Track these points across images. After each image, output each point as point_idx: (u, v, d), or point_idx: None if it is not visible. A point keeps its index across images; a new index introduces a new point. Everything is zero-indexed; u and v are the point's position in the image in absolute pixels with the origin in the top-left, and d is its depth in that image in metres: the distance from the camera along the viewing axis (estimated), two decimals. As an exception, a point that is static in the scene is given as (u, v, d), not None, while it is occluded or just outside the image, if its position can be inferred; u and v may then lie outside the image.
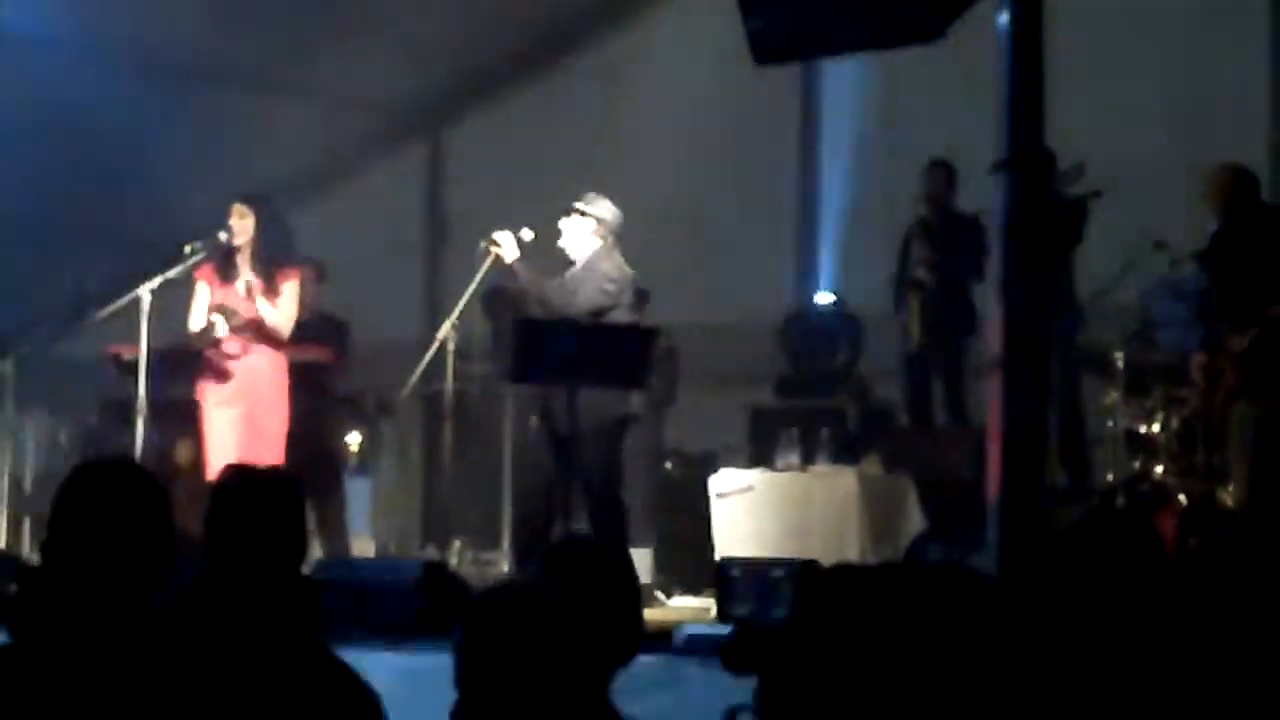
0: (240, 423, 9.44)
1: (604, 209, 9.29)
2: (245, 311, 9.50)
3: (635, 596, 3.92)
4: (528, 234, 9.18)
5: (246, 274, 9.58)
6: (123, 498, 3.82)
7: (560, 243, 9.21)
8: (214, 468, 9.03)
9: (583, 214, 9.23)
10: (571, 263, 9.24)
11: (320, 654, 3.93)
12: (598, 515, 9.01)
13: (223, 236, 9.52)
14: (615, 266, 9.22)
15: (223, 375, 9.53)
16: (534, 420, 9.23)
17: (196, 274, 9.57)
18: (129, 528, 3.78)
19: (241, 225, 9.58)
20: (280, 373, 9.66)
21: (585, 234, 9.23)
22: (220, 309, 9.51)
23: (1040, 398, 5.62)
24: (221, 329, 9.50)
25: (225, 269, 9.57)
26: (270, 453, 9.19)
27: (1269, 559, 7.42)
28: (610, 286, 9.15)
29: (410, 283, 14.99)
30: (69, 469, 3.95)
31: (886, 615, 2.69)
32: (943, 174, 11.50)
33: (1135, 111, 11.85)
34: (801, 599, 3.01)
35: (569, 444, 8.91)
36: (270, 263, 9.61)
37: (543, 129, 13.98)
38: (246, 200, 9.63)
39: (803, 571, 7.40)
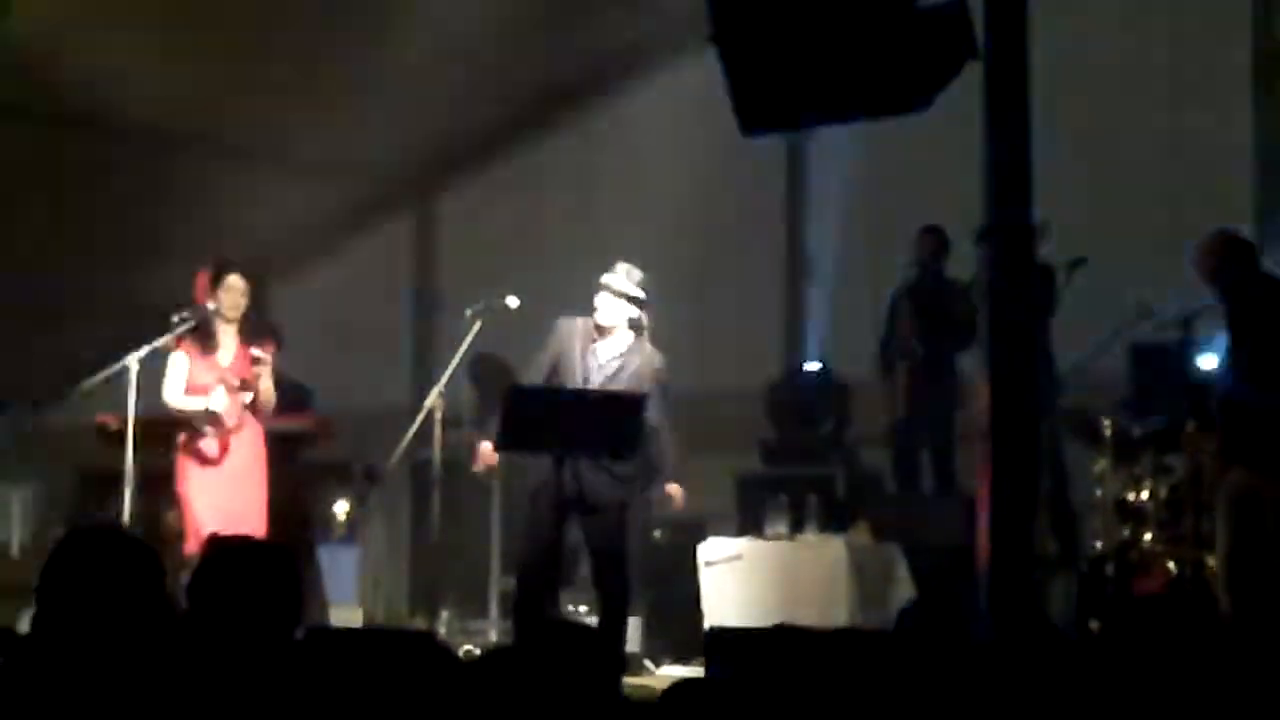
0: (225, 493, 9.40)
1: (634, 279, 9.15)
2: (244, 386, 9.47)
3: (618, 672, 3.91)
4: (514, 301, 9.17)
5: (230, 344, 9.54)
6: (114, 564, 3.79)
7: (600, 319, 9.06)
8: (198, 538, 9.02)
9: (631, 298, 9.06)
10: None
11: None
12: (609, 585, 8.94)
13: (211, 306, 9.49)
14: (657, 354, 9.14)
15: (211, 448, 9.48)
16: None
17: (175, 344, 9.50)
18: (121, 594, 3.75)
19: (235, 297, 9.54)
20: (260, 443, 9.63)
21: (625, 314, 9.08)
22: (239, 385, 9.44)
23: (1030, 466, 5.61)
24: (219, 403, 9.44)
25: (205, 340, 9.51)
26: (253, 523, 9.17)
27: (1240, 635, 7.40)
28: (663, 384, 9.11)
29: (399, 350, 14.99)
30: (55, 537, 3.91)
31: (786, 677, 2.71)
32: (932, 240, 11.53)
33: (1122, 177, 11.88)
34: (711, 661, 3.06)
35: (577, 513, 8.88)
36: (255, 334, 9.59)
37: (529, 197, 14.02)
38: (244, 274, 9.60)
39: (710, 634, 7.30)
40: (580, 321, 9.01)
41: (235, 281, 9.52)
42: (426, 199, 15.47)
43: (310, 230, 14.17)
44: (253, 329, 9.60)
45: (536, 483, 8.90)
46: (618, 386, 8.91)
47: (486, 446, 8.98)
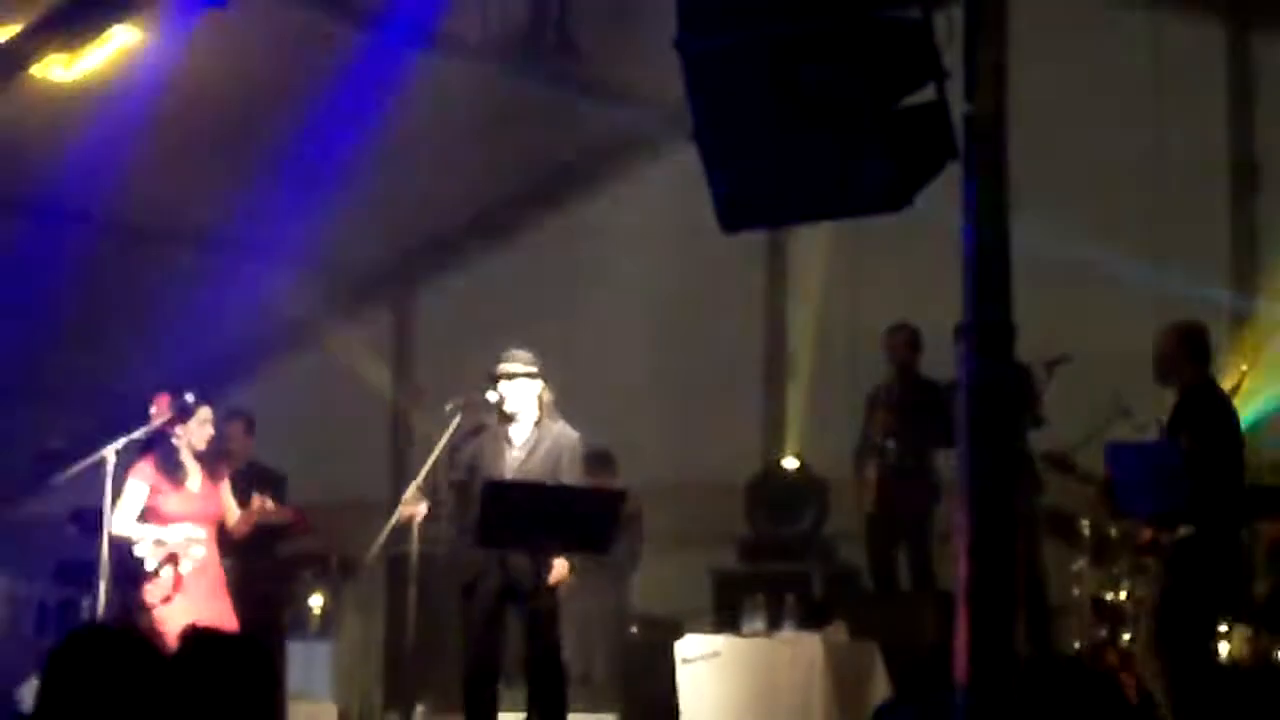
0: (191, 601, 9.32)
1: (536, 361, 9.25)
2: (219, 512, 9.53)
3: None
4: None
5: (195, 471, 9.53)
6: (122, 664, 3.74)
7: (509, 407, 9.15)
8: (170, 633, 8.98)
9: (533, 376, 9.20)
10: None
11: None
12: (546, 670, 8.96)
13: (179, 434, 9.47)
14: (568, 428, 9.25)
15: (162, 588, 9.40)
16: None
17: (132, 472, 9.42)
18: (128, 696, 3.70)
19: (205, 429, 9.56)
20: (219, 570, 9.60)
21: (534, 394, 9.21)
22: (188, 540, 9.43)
23: (1009, 566, 5.60)
24: (176, 537, 9.38)
25: (174, 469, 9.47)
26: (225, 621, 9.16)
27: None
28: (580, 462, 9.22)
29: (378, 443, 14.97)
30: (40, 634, 3.86)
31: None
32: (904, 337, 11.58)
33: (1101, 278, 11.93)
34: None
35: (512, 602, 8.92)
36: (215, 459, 9.64)
37: (508, 292, 14.03)
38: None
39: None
40: (487, 414, 9.15)
41: (206, 414, 9.54)
42: (405, 292, 15.49)
43: (290, 321, 14.16)
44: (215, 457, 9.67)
45: (470, 576, 8.98)
46: (534, 467, 9.03)
47: (414, 508, 9.09)
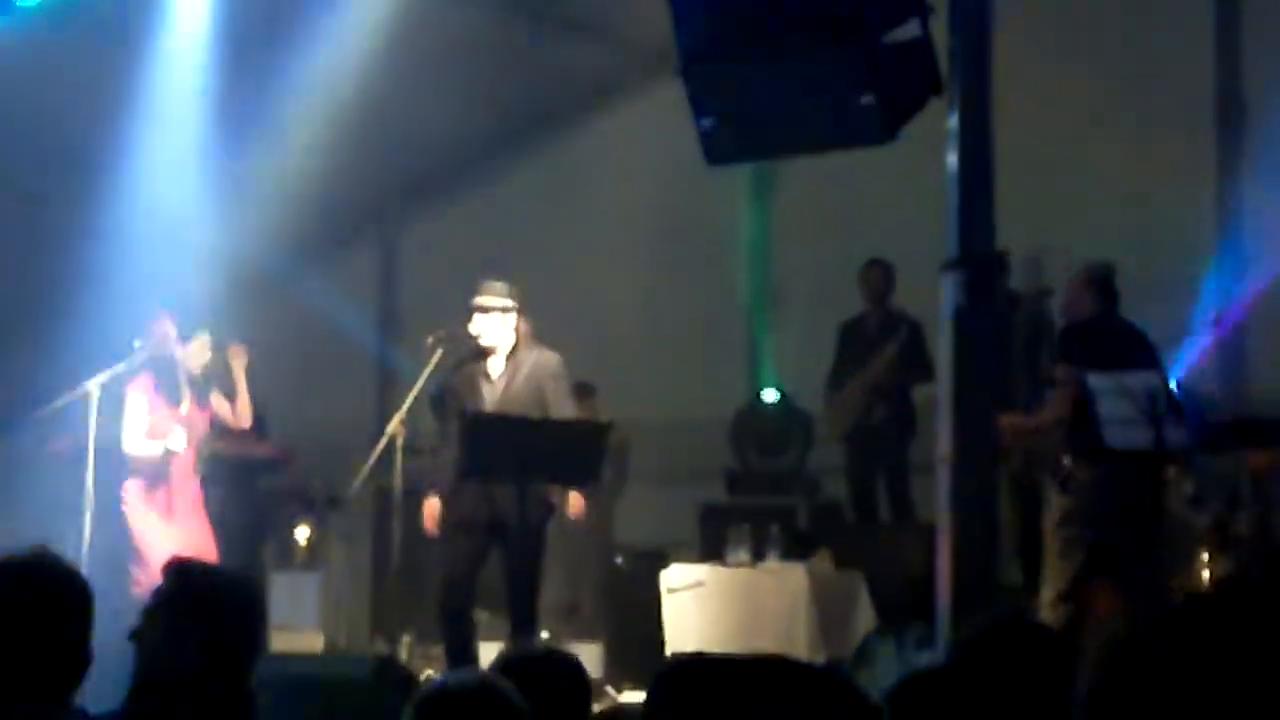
0: (178, 539, 9.42)
1: (512, 294, 9.27)
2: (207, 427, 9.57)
3: (586, 701, 3.92)
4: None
5: (187, 395, 9.58)
6: (38, 593, 3.67)
7: (486, 340, 9.18)
8: (152, 565, 9.07)
9: (508, 309, 9.21)
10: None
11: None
12: (521, 603, 9.03)
13: (178, 356, 9.50)
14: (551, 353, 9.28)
15: (168, 485, 9.48)
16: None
17: (131, 388, 9.48)
18: (44, 626, 3.62)
19: (204, 355, 9.59)
20: (196, 487, 9.68)
21: (510, 327, 9.23)
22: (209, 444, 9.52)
23: (990, 496, 5.65)
24: (178, 443, 9.46)
25: (169, 388, 9.52)
26: (205, 550, 9.24)
27: None
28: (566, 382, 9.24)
29: (363, 378, 14.96)
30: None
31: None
32: (880, 273, 11.63)
33: (1083, 211, 11.94)
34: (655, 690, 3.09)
35: (495, 536, 8.96)
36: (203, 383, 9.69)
37: (493, 226, 14.00)
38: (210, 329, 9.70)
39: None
40: (467, 347, 9.20)
41: (205, 339, 9.57)
42: (390, 226, 15.46)
43: (276, 256, 14.12)
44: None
45: (457, 514, 9.04)
46: (514, 397, 9.04)
47: (434, 504, 9.09)
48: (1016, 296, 10.36)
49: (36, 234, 12.38)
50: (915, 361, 10.96)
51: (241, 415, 9.86)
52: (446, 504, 9.16)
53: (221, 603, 3.97)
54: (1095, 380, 8.45)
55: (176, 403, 9.52)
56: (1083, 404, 8.31)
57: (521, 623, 9.02)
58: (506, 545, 9.00)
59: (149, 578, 9.15)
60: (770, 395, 12.93)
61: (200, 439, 9.65)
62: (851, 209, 12.74)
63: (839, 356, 11.81)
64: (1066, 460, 8.56)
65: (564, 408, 9.10)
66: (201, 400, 9.65)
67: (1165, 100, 12.04)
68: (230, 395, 9.97)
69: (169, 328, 9.52)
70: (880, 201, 12.19)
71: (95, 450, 9.36)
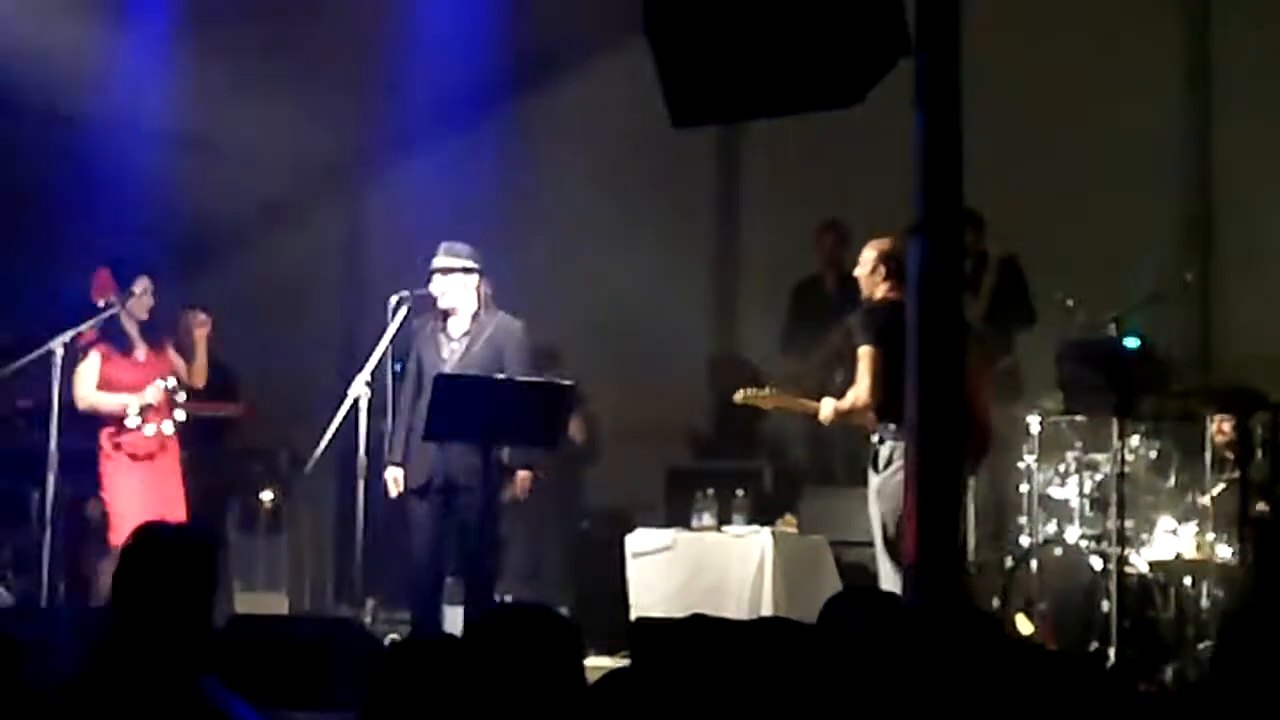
0: (149, 488, 9.46)
1: (473, 255, 9.26)
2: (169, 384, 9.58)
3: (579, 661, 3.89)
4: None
5: (141, 342, 9.60)
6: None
7: (445, 302, 9.18)
8: (121, 525, 9.08)
9: (469, 270, 9.20)
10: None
11: (228, 713, 3.88)
12: (480, 564, 9.04)
13: (118, 306, 9.52)
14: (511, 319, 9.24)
15: (145, 443, 9.54)
16: (394, 476, 9.22)
17: (80, 344, 9.52)
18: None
19: (145, 299, 9.62)
20: (175, 440, 9.71)
21: (471, 289, 9.19)
22: (165, 391, 9.52)
23: (956, 460, 5.64)
24: (154, 396, 9.50)
25: (120, 339, 9.57)
26: (175, 510, 9.27)
27: None
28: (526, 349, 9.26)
29: (328, 338, 14.91)
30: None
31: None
32: (833, 236, 11.64)
33: (1052, 172, 11.96)
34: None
35: (451, 498, 8.98)
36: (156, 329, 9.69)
37: (459, 188, 13.94)
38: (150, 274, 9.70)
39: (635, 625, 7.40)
40: (429, 310, 9.25)
41: (145, 284, 9.61)
42: (356, 188, 15.39)
43: (238, 215, 14.05)
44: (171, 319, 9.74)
45: (416, 480, 9.08)
46: (473, 360, 9.09)
47: (395, 474, 9.08)
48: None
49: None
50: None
51: (196, 376, 9.90)
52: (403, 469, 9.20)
53: (181, 554, 4.00)
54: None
55: (128, 351, 9.58)
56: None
57: (479, 586, 9.03)
58: (463, 508, 9.01)
59: (118, 535, 9.20)
60: (732, 359, 12.95)
61: (170, 390, 9.64)
62: (817, 171, 12.71)
63: (791, 317, 11.84)
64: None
65: (522, 373, 9.10)
66: (156, 346, 9.69)
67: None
68: (189, 358, 10.01)
69: (106, 279, 9.57)
70: (847, 164, 12.16)
71: (60, 408, 9.39)
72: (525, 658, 3.59)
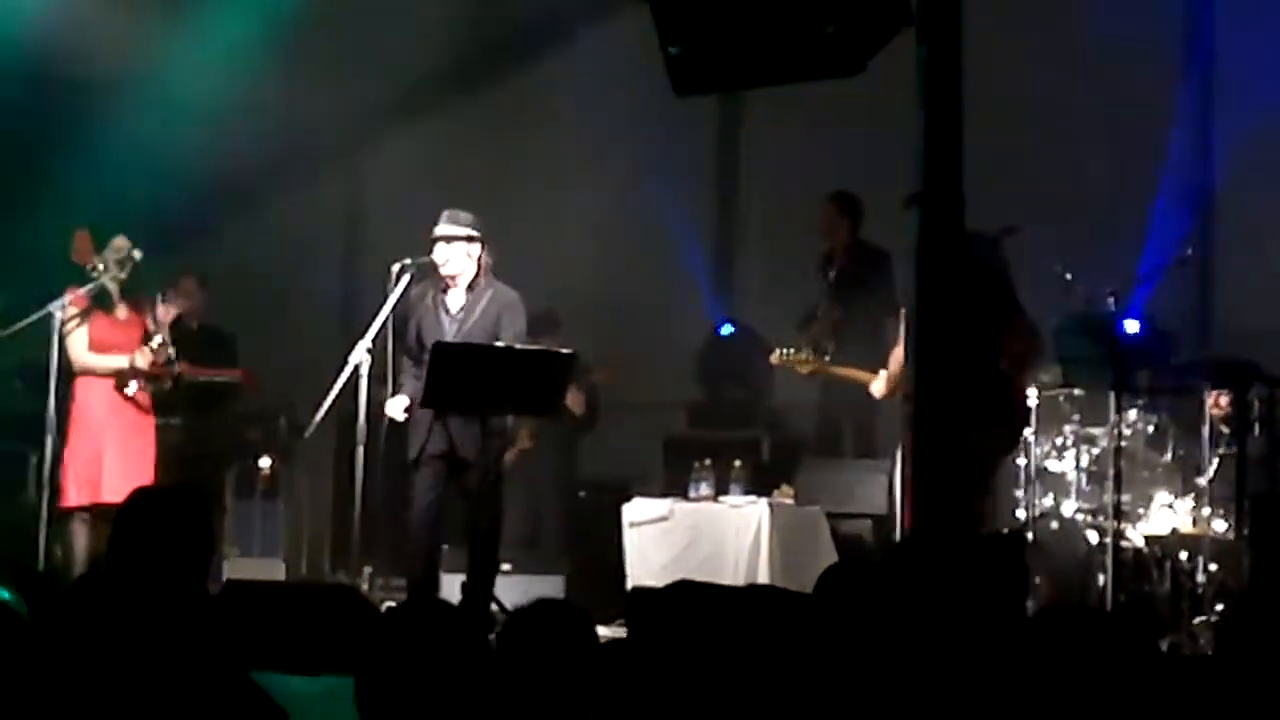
0: (122, 447, 9.49)
1: (475, 223, 9.27)
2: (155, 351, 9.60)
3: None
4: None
5: (122, 304, 9.63)
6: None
7: (446, 270, 9.18)
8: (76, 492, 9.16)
9: (471, 239, 9.20)
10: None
11: (227, 674, 3.89)
12: (482, 535, 9.05)
13: (100, 267, 9.56)
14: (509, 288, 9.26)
15: (138, 398, 9.59)
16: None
17: (67, 304, 9.55)
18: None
19: (122, 259, 9.65)
20: (148, 402, 9.72)
21: (472, 257, 9.21)
22: (154, 351, 9.55)
23: (954, 432, 5.63)
24: (144, 359, 9.53)
25: (103, 300, 9.61)
26: (144, 478, 9.31)
27: None
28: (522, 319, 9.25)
29: (329, 305, 14.91)
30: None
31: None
32: (836, 208, 11.52)
33: (1052, 144, 11.95)
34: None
35: (454, 468, 8.98)
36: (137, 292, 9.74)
37: (459, 155, 13.94)
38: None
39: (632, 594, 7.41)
40: (429, 278, 9.23)
41: (122, 242, 9.61)
42: (356, 155, 15.37)
43: (240, 183, 14.04)
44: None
45: (416, 449, 9.06)
46: (471, 329, 9.08)
47: (394, 402, 9.10)
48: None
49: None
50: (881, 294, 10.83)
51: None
52: (404, 436, 9.21)
53: (175, 512, 4.01)
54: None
55: (109, 309, 9.61)
56: None
57: (482, 556, 9.04)
58: (465, 477, 9.02)
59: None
60: (727, 329, 12.94)
61: (156, 348, 9.64)
62: (819, 140, 12.69)
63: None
64: None
65: (516, 342, 9.09)
66: (134, 306, 9.70)
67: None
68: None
69: (86, 242, 9.59)
70: (848, 133, 12.14)
71: (57, 370, 9.42)
72: (548, 655, 3.61)
